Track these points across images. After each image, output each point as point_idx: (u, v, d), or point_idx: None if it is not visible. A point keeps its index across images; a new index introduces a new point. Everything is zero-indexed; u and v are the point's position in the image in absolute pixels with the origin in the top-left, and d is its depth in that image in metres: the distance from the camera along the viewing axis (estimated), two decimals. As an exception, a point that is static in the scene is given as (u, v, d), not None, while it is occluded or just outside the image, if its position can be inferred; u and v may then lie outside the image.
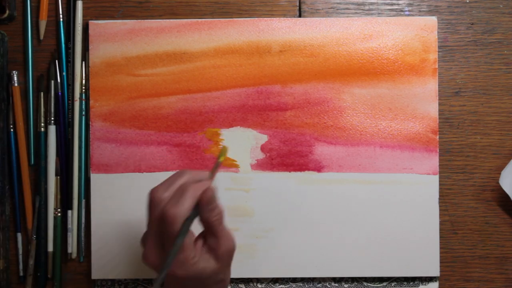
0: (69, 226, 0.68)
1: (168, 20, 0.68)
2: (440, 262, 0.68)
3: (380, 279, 0.69)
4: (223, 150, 0.57)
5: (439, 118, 0.68)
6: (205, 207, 0.54)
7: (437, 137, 0.68)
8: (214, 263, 0.54)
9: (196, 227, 0.54)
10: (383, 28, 0.68)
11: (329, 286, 0.69)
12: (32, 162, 0.69)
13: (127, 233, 0.68)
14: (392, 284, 0.69)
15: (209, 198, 0.54)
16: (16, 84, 0.68)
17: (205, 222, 0.54)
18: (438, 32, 0.68)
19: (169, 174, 0.67)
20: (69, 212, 0.68)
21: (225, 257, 0.55)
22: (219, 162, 0.57)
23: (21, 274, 0.69)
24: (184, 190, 0.53)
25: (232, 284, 0.69)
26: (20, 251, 0.69)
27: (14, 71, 0.68)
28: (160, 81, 0.68)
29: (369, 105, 0.68)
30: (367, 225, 0.67)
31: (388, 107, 0.68)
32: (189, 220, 0.53)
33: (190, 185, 0.53)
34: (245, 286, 0.69)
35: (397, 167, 0.68)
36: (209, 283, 0.55)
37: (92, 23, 0.68)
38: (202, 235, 0.55)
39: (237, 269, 0.68)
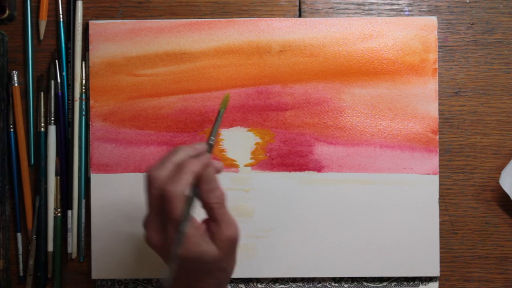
0: (69, 226, 0.68)
1: (168, 20, 0.68)
2: (440, 262, 0.68)
3: (380, 279, 0.69)
4: (225, 98, 0.56)
5: (439, 118, 0.68)
6: (204, 188, 0.53)
7: (437, 137, 0.68)
8: (215, 249, 0.52)
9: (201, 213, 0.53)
10: (383, 28, 0.68)
11: (329, 286, 0.69)
12: (32, 162, 0.69)
13: (127, 233, 0.68)
14: (392, 284, 0.69)
15: (207, 177, 0.52)
16: (16, 84, 0.68)
17: (205, 205, 0.53)
18: (438, 32, 0.68)
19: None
20: (69, 212, 0.68)
21: (227, 244, 0.53)
22: (221, 111, 0.56)
23: (21, 274, 0.69)
24: (181, 166, 0.52)
25: (232, 284, 0.69)
26: (20, 251, 0.69)
27: (14, 71, 0.68)
28: (160, 81, 0.68)
29: (369, 105, 0.68)
30: (367, 225, 0.67)
31: (388, 107, 0.68)
32: (189, 200, 0.52)
33: (188, 161, 0.52)
34: (245, 286, 0.69)
35: (397, 167, 0.68)
36: (210, 269, 0.53)
37: (92, 23, 0.68)
38: (206, 220, 0.54)
39: (237, 269, 0.67)
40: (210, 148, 0.55)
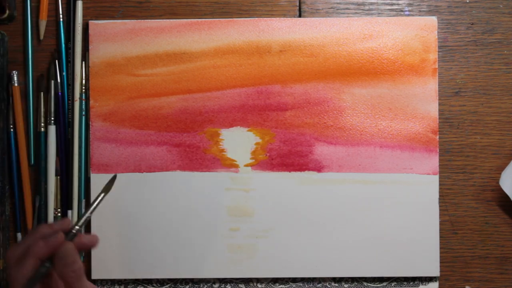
0: (69, 226, 0.68)
1: (168, 20, 0.68)
2: (440, 262, 0.68)
3: (380, 279, 0.69)
4: (109, 182, 0.56)
5: (439, 118, 0.68)
6: (58, 263, 0.51)
7: (437, 137, 0.68)
8: None
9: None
10: (383, 28, 0.68)
11: (329, 286, 0.69)
12: (32, 162, 0.69)
13: (127, 233, 0.68)
14: (392, 284, 0.69)
15: (62, 253, 0.51)
16: (16, 84, 0.68)
17: (63, 280, 0.52)
18: (438, 32, 0.68)
19: (169, 174, 0.67)
20: (69, 212, 0.68)
21: None
22: (102, 195, 0.55)
23: (21, 274, 0.69)
24: (28, 248, 0.51)
25: (232, 284, 0.69)
26: (20, 251, 0.69)
27: (14, 71, 0.68)
28: (160, 81, 0.68)
29: (369, 105, 0.68)
30: (367, 225, 0.67)
31: (388, 107, 0.68)
32: (35, 278, 0.51)
33: (34, 244, 0.51)
34: (245, 286, 0.69)
35: (397, 167, 0.68)
36: None
37: (92, 23, 0.68)
38: None
39: (237, 269, 0.68)
40: (72, 237, 0.53)
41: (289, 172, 0.68)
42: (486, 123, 0.69)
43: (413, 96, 0.68)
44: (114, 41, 0.68)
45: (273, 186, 0.68)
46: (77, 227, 0.53)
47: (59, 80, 0.68)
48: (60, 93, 0.68)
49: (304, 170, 0.68)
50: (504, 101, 0.69)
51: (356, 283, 0.69)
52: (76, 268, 0.52)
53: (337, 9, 0.69)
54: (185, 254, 0.67)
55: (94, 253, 0.68)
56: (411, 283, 0.69)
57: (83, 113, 0.68)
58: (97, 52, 0.68)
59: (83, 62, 0.69)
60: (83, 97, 0.68)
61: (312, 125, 0.68)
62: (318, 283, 0.69)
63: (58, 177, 0.68)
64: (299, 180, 0.68)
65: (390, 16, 0.69)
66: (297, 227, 0.68)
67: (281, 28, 0.68)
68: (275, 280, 0.69)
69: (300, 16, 0.69)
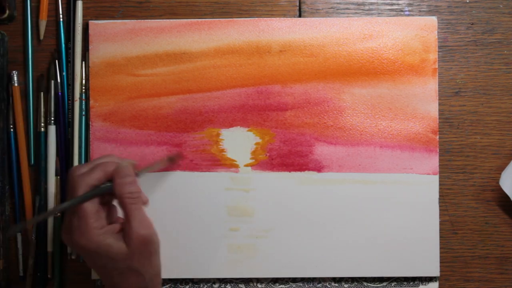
0: (69, 226, 0.68)
1: (168, 20, 0.68)
2: (440, 262, 0.68)
3: (380, 279, 0.69)
4: (171, 157, 0.59)
5: (439, 118, 0.68)
6: (117, 181, 0.53)
7: (437, 137, 0.68)
8: (123, 246, 0.52)
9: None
10: (383, 28, 0.68)
11: (329, 286, 0.69)
12: (32, 162, 0.69)
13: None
14: (392, 284, 0.69)
15: (122, 171, 0.53)
16: (16, 84, 0.68)
17: (118, 200, 0.53)
18: (438, 32, 0.68)
19: (169, 174, 0.67)
20: (69, 212, 0.68)
21: (137, 243, 0.52)
22: (164, 161, 0.57)
23: (21, 274, 0.69)
24: (97, 164, 0.54)
25: (232, 284, 0.69)
26: (20, 251, 0.69)
27: (14, 71, 0.68)
28: (160, 81, 0.68)
29: (369, 105, 0.68)
30: (367, 225, 0.67)
31: (388, 107, 0.68)
32: (96, 190, 0.52)
33: (106, 162, 0.54)
34: (245, 286, 0.69)
35: (397, 167, 0.68)
36: (121, 268, 0.53)
37: (92, 23, 0.68)
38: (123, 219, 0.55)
39: (237, 269, 0.68)
40: (138, 174, 0.57)
41: (289, 172, 0.68)
42: (486, 123, 0.69)
43: (413, 96, 0.68)
44: (114, 41, 0.68)
45: (273, 186, 0.68)
46: (143, 171, 0.58)
47: (59, 80, 0.69)
48: (60, 93, 0.68)
49: (304, 170, 0.68)
50: (504, 101, 0.69)
51: (356, 283, 0.69)
52: (133, 190, 0.54)
53: (337, 9, 0.69)
54: (185, 254, 0.67)
55: (94, 253, 0.68)
56: (411, 283, 0.69)
57: (83, 113, 0.68)
58: (97, 52, 0.68)
59: (83, 62, 0.69)
60: (83, 97, 0.68)
61: (312, 125, 0.68)
62: (318, 283, 0.69)
63: (58, 177, 0.68)
64: (299, 180, 0.68)
65: (390, 16, 0.69)
66: (297, 227, 0.68)
67: (281, 28, 0.68)
68: (275, 280, 0.69)
69: (300, 16, 0.69)
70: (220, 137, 0.68)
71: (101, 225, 0.52)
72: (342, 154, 0.68)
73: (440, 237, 0.68)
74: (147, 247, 0.53)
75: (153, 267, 0.55)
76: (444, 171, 0.69)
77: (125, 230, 0.53)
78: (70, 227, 0.53)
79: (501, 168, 0.68)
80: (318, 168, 0.68)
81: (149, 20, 0.68)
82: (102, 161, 0.56)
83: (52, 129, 0.68)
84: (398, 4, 0.69)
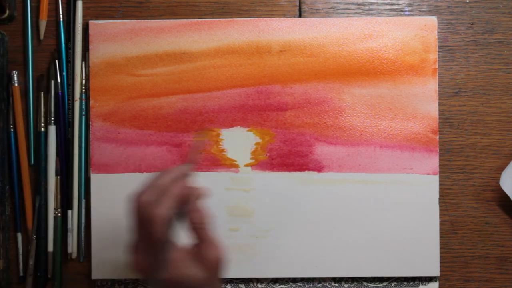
0: (69, 226, 0.68)
1: (168, 20, 0.68)
2: (440, 262, 0.68)
3: (380, 279, 0.69)
4: (203, 133, 0.58)
5: (439, 118, 0.68)
6: (188, 209, 0.53)
7: (437, 137, 0.68)
8: (200, 272, 0.52)
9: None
10: (383, 28, 0.68)
11: (329, 286, 0.69)
12: (32, 162, 0.69)
13: (127, 233, 0.68)
14: (392, 284, 0.69)
15: (192, 198, 0.53)
16: (16, 84, 0.68)
17: (190, 226, 0.53)
18: (438, 32, 0.68)
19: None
20: (69, 212, 0.68)
21: (212, 266, 0.53)
22: (196, 142, 0.57)
23: (21, 274, 0.69)
24: (165, 190, 0.52)
25: (232, 284, 0.69)
26: (20, 251, 0.69)
27: (14, 71, 0.68)
28: (160, 81, 0.68)
29: (369, 105, 0.68)
30: (367, 225, 0.67)
31: (388, 107, 0.68)
32: (173, 223, 0.52)
33: (171, 184, 0.52)
34: (245, 286, 0.69)
35: (397, 167, 0.68)
36: None
37: (92, 23, 0.68)
38: (192, 243, 0.54)
39: (237, 269, 0.68)
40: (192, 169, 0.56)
41: (289, 172, 0.68)
42: (486, 123, 0.69)
43: (413, 96, 0.68)
44: (114, 41, 0.68)
45: (273, 186, 0.68)
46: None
47: (59, 80, 0.69)
48: (60, 93, 0.68)
49: (304, 170, 0.68)
50: (504, 101, 0.69)
51: (356, 283, 0.69)
52: (201, 216, 0.53)
53: (337, 9, 0.69)
54: (185, 254, 0.67)
55: (94, 253, 0.68)
56: (411, 283, 0.69)
57: (83, 113, 0.68)
58: (97, 52, 0.68)
59: (83, 62, 0.69)
60: (83, 97, 0.68)
61: (312, 125, 0.68)
62: (318, 283, 0.69)
63: (58, 177, 0.68)
64: (299, 180, 0.68)
65: (390, 16, 0.69)
66: (297, 227, 0.68)
67: (281, 28, 0.68)
68: (275, 280, 0.69)
69: (300, 16, 0.69)
70: (220, 137, 0.68)
71: (179, 257, 0.52)
72: (342, 154, 0.68)
73: (440, 237, 0.68)
74: (219, 267, 0.54)
75: (221, 282, 0.56)
76: (444, 171, 0.69)
77: (199, 256, 0.53)
78: (151, 263, 0.53)
79: (501, 168, 0.68)
80: (318, 168, 0.68)
81: (149, 20, 0.68)
82: (164, 182, 0.54)
83: (52, 129, 0.68)
84: (398, 4, 0.69)
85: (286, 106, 0.68)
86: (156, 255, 0.51)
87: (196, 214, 0.53)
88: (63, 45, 0.69)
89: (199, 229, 0.53)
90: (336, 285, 0.69)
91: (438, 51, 0.68)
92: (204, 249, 0.53)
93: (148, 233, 0.51)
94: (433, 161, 0.67)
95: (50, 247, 0.68)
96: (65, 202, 0.69)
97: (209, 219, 0.54)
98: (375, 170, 0.68)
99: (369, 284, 0.69)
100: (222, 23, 0.68)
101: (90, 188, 0.68)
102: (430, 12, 0.69)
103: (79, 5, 0.68)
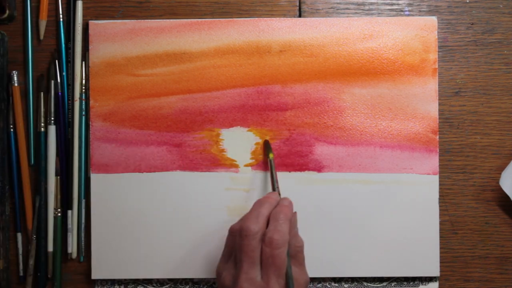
0: (69, 226, 0.68)
1: (168, 20, 0.68)
2: (440, 262, 0.68)
3: (380, 279, 0.69)
4: (266, 145, 0.63)
5: (439, 118, 0.68)
6: (291, 232, 0.56)
7: (437, 137, 0.68)
8: None
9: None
10: (383, 28, 0.68)
11: (329, 286, 0.69)
12: (32, 162, 0.69)
13: (127, 233, 0.68)
14: (392, 284, 0.69)
15: (294, 222, 0.56)
16: (16, 84, 0.68)
17: (291, 249, 0.56)
18: (438, 32, 0.68)
19: (169, 174, 0.67)
20: (69, 212, 0.68)
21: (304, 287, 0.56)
22: (271, 159, 0.60)
23: (21, 274, 0.69)
24: (276, 216, 0.56)
25: (232, 284, 0.69)
26: (20, 251, 0.69)
27: (14, 71, 0.68)
28: (160, 81, 0.68)
29: (369, 105, 0.68)
30: (367, 225, 0.67)
31: (388, 107, 0.68)
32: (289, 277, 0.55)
33: (281, 210, 0.56)
34: (245, 286, 0.69)
35: (397, 167, 0.68)
36: None
37: (92, 23, 0.68)
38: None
39: (237, 269, 0.68)
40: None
41: (289, 172, 0.68)
42: (486, 123, 0.69)
43: (413, 96, 0.68)
44: (114, 41, 0.68)
45: (273, 186, 0.68)
46: (277, 186, 0.63)
47: (59, 80, 0.69)
48: (60, 93, 0.68)
49: (304, 170, 0.68)
50: (504, 101, 0.69)
51: (356, 283, 0.69)
52: (300, 238, 0.58)
53: (337, 9, 0.69)
54: (185, 254, 0.67)
55: (94, 253, 0.68)
56: (411, 283, 0.69)
57: (83, 113, 0.68)
58: (97, 52, 0.68)
59: (83, 62, 0.69)
60: (83, 97, 0.68)
61: (312, 125, 0.68)
62: (318, 283, 0.69)
63: (58, 177, 0.68)
64: (299, 180, 0.68)
65: (390, 16, 0.69)
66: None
67: (281, 28, 0.68)
68: (275, 280, 0.69)
69: (300, 16, 0.69)
70: (220, 137, 0.68)
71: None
72: (342, 154, 0.68)
73: (440, 237, 0.68)
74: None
75: None
76: (444, 171, 0.69)
77: (296, 278, 0.56)
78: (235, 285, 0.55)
79: (501, 168, 0.68)
80: (318, 168, 0.68)
81: (149, 20, 0.68)
82: (269, 209, 0.57)
83: (52, 129, 0.68)
84: (398, 4, 0.69)
85: (286, 106, 0.68)
86: (276, 279, 0.53)
87: (297, 238, 0.57)
88: (63, 45, 0.69)
89: (299, 253, 0.57)
90: (336, 285, 0.69)
91: (438, 51, 0.68)
92: (301, 271, 0.57)
93: (269, 259, 0.53)
94: (433, 161, 0.67)
95: (50, 247, 0.68)
96: (65, 202, 0.69)
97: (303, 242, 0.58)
98: (375, 170, 0.68)
99: (369, 284, 0.69)
100: (222, 23, 0.68)
101: (90, 188, 0.68)
102: (430, 12, 0.69)
103: (79, 5, 0.68)
